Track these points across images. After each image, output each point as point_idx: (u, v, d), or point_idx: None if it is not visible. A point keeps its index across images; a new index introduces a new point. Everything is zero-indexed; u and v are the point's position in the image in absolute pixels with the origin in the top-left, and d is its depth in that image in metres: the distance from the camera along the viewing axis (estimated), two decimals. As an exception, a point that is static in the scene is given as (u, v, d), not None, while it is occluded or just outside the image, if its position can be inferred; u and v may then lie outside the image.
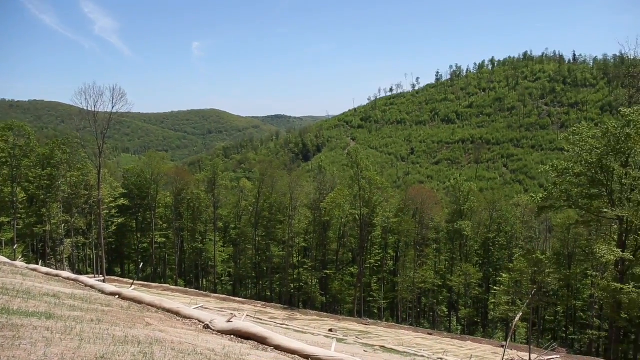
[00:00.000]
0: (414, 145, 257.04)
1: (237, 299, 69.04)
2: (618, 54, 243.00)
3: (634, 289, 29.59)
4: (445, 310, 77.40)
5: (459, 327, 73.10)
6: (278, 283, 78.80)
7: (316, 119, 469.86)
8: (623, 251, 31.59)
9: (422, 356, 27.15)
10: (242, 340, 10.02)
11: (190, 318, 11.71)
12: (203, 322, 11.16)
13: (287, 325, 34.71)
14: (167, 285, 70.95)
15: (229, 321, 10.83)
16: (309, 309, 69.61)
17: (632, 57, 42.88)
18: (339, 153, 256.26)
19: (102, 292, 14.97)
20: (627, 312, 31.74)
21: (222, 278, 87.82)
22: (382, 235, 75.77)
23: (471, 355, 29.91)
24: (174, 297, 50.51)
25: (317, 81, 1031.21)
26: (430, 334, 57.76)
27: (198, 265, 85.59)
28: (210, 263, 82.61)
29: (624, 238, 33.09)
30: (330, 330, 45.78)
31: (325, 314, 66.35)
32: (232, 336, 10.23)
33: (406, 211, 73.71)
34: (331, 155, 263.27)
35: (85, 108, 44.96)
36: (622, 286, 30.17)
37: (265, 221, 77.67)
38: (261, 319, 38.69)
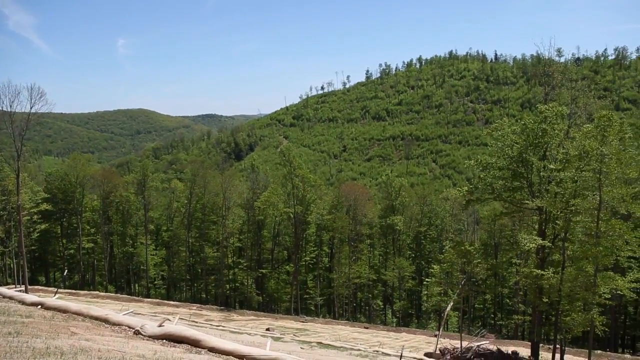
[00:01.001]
0: (346, 143, 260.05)
1: (171, 302, 67.50)
2: (535, 54, 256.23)
3: (552, 274, 31.29)
4: (381, 303, 78.97)
5: (395, 320, 74.79)
6: (213, 284, 77.66)
7: (248, 118, 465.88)
8: (543, 239, 33.34)
9: (359, 350, 27.60)
10: (175, 344, 9.81)
11: (119, 324, 11.34)
12: (133, 328, 10.83)
13: (223, 326, 34.31)
14: (97, 292, 68.34)
15: (160, 325, 10.58)
16: (245, 309, 69.11)
17: (547, 57, 45.14)
18: (271, 152, 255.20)
19: (23, 302, 14.21)
20: (548, 296, 33.53)
21: (156, 282, 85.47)
22: (316, 232, 76.27)
23: (403, 346, 30.71)
24: (104, 304, 48.70)
25: (248, 79, 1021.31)
26: (367, 328, 58.83)
27: (129, 270, 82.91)
28: (142, 267, 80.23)
29: (543, 227, 34.94)
30: (268, 329, 45.65)
31: (262, 313, 66.10)
32: (165, 340, 10.00)
33: (340, 208, 74.54)
34: (264, 154, 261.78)
35: (1, 108, 42.44)
36: (542, 272, 31.79)
37: (199, 222, 76.32)
38: (196, 322, 38.04)
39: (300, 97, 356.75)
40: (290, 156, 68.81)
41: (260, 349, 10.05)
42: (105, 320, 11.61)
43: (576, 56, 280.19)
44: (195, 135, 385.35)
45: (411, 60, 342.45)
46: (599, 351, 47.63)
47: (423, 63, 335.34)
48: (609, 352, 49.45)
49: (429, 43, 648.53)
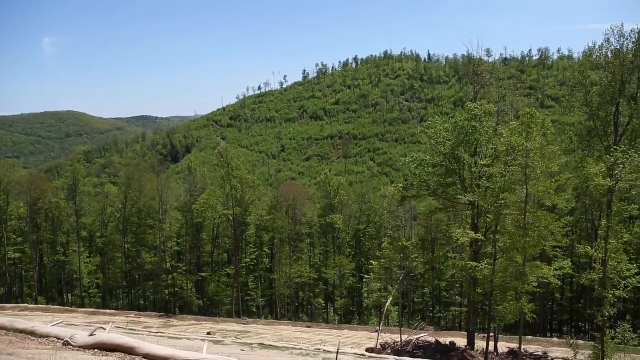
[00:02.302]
0: (285, 143, 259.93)
1: (107, 311, 65.31)
2: (466, 54, 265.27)
3: (485, 266, 32.55)
4: (323, 302, 79.42)
5: (337, 317, 75.38)
6: (152, 290, 75.66)
7: (184, 119, 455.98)
8: (476, 233, 34.60)
9: (301, 349, 27.70)
10: (108, 353, 9.52)
11: (47, 336, 10.85)
12: (63, 339, 10.40)
13: (162, 333, 33.55)
14: (25, 304, 65.18)
15: (92, 334, 10.22)
16: (186, 314, 67.80)
17: (477, 57, 46.77)
18: (209, 153, 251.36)
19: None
20: (482, 288, 34.84)
21: (90, 290, 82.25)
22: (256, 233, 75.78)
23: (340, 342, 31.07)
24: (32, 316, 46.54)
25: (184, 80, 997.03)
26: (309, 327, 59.08)
27: (61, 280, 79.44)
28: (75, 276, 77.02)
29: (476, 221, 36.28)
30: (209, 333, 45.03)
31: (203, 317, 65.06)
32: (97, 350, 9.67)
33: (279, 208, 74.38)
34: (201, 155, 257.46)
35: None
36: (476, 264, 33.02)
37: (135, 227, 74.14)
38: (134, 330, 37.00)
39: (237, 98, 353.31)
40: (228, 157, 68.05)
41: (197, 353, 9.90)
42: (32, 333, 11.07)
43: (504, 56, 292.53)
44: (129, 137, 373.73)
45: (347, 60, 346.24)
46: (529, 337, 49.93)
47: (359, 63, 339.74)
48: (538, 337, 51.94)
49: (365, 43, 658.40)
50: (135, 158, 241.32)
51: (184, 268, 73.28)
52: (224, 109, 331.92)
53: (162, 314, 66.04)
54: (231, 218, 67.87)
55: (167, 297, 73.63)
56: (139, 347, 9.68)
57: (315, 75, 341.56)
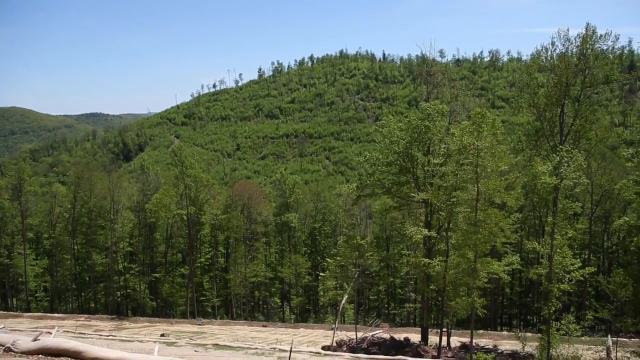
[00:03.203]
0: (240, 141, 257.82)
1: (56, 315, 63.25)
2: (420, 55, 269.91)
3: (438, 262, 33.22)
4: (279, 301, 79.24)
5: (293, 316, 75.39)
6: (103, 292, 73.61)
7: (137, 117, 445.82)
8: (429, 230, 35.29)
9: (256, 348, 27.52)
10: (53, 358, 9.19)
11: (-12, 343, 10.39)
12: (4, 345, 9.99)
13: (113, 335, 32.71)
14: (-34, 310, 62.34)
15: (36, 339, 9.85)
16: (139, 316, 66.35)
17: (430, 58, 47.70)
18: (162, 152, 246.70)
19: None
20: (435, 284, 35.54)
21: (37, 294, 79.32)
22: (211, 232, 74.89)
23: (292, 341, 31.12)
24: (-25, 322, 44.48)
25: (137, 77, 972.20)
26: (265, 326, 58.87)
27: (5, 284, 76.30)
28: (20, 279, 74.12)
29: (429, 218, 36.99)
30: (162, 335, 44.24)
31: (157, 319, 63.85)
32: (41, 356, 9.33)
33: (234, 207, 73.72)
34: (154, 154, 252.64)
35: None
36: (430, 261, 33.66)
37: (85, 227, 71.91)
38: (84, 333, 35.95)
39: (191, 96, 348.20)
40: (182, 156, 66.97)
41: (148, 356, 9.70)
42: (-29, 339, 10.59)
43: (456, 57, 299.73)
44: (79, 135, 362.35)
45: (303, 59, 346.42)
46: (480, 331, 51.29)
47: (315, 62, 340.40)
48: (489, 331, 53.40)
49: (321, 42, 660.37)
50: (85, 156, 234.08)
51: (137, 269, 71.64)
52: (178, 106, 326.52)
53: (113, 316, 64.42)
54: (185, 217, 66.82)
55: (119, 299, 71.80)
56: (87, 350, 9.40)
57: (271, 73, 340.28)
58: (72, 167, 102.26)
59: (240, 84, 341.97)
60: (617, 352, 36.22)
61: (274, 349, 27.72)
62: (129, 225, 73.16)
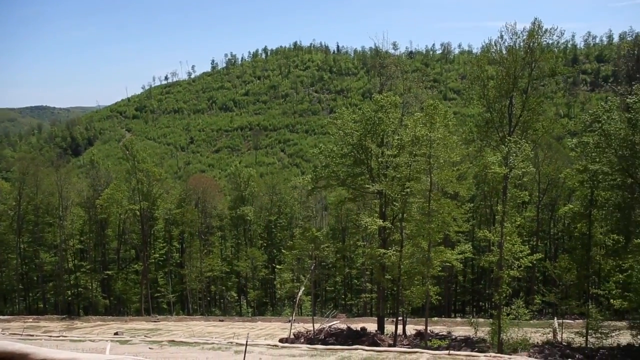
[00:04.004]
0: (194, 134, 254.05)
1: (1, 317, 60.81)
2: (373, 47, 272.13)
3: (393, 252, 33.73)
4: (235, 295, 78.73)
5: (250, 310, 75.09)
6: (52, 292, 71.27)
7: (86, 110, 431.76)
8: (384, 221, 35.73)
9: (212, 343, 27.29)
10: (-2, 362, 8.80)
11: None
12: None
13: (64, 336, 31.76)
14: None
15: (-21, 343, 9.41)
16: (91, 315, 64.64)
17: (383, 50, 48.07)
18: (113, 146, 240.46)
19: None
20: (390, 273, 36.08)
21: (-20, 296, 76.15)
22: (165, 227, 73.62)
23: (248, 334, 31.03)
24: None
25: (85, 69, 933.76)
26: (222, 321, 58.40)
27: (-56, 286, 72.94)
28: (-39, 281, 71.00)
29: (383, 209, 37.45)
30: (116, 333, 43.26)
31: (110, 317, 62.38)
32: (-16, 360, 8.90)
33: (188, 201, 72.70)
34: (105, 148, 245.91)
35: None
36: (385, 251, 34.11)
37: (31, 225, 69.33)
38: (32, 335, 34.75)
39: (143, 88, 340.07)
40: (134, 150, 65.48)
41: (99, 355, 9.44)
42: None
43: (409, 50, 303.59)
44: (23, 129, 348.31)
45: (257, 51, 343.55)
46: (435, 318, 52.35)
47: (269, 53, 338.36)
48: (443, 318, 54.60)
49: (274, 34, 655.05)
50: (31, 151, 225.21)
51: (88, 267, 69.64)
52: (128, 99, 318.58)
53: (64, 316, 62.51)
54: (138, 213, 65.44)
55: (69, 299, 69.68)
56: (35, 352, 9.03)
57: (224, 65, 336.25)
58: (17, 162, 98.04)
59: (193, 76, 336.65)
60: (562, 333, 37.79)
61: (231, 343, 27.54)
62: (79, 222, 71.02)
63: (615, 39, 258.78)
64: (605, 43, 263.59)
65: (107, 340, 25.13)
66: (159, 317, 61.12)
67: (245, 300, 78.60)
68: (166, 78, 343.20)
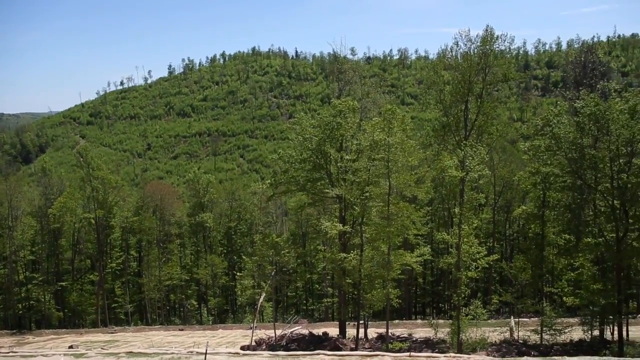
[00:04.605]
0: (151, 141, 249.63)
1: (-53, 334, 58.14)
2: (332, 52, 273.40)
3: (354, 256, 33.90)
4: (195, 303, 77.53)
5: (211, 318, 74.11)
6: (1, 306, 68.53)
7: (37, 116, 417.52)
8: (344, 225, 35.87)
9: (172, 353, 26.78)
10: (-57, 381, 8.41)
11: None
12: None
13: (14, 351, 30.57)
14: None
15: None
16: (44, 328, 62.52)
17: (342, 56, 48.39)
18: (67, 153, 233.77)
19: None
20: (351, 277, 36.25)
21: None
22: (122, 236, 71.97)
23: (207, 343, 30.65)
24: None
25: (36, 73, 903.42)
26: (182, 330, 57.46)
27: None
28: None
29: (343, 214, 37.62)
30: (71, 346, 42.00)
31: (64, 330, 60.45)
32: None
33: (146, 209, 71.31)
34: (58, 155, 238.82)
35: None
36: (345, 255, 34.24)
37: (-22, 237, 66.64)
38: (-20, 351, 33.33)
39: (97, 94, 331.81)
40: (88, 157, 63.89)
41: (52, 371, 9.13)
42: None
43: (367, 55, 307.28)
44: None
45: (215, 56, 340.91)
46: (396, 321, 52.94)
47: (227, 59, 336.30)
48: (404, 321, 55.23)
49: (232, 39, 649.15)
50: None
51: (40, 278, 67.24)
52: (82, 105, 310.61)
53: (14, 331, 60.27)
54: (93, 221, 63.79)
55: (20, 312, 67.14)
56: (-18, 370, 8.69)
57: (182, 70, 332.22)
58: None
59: (149, 81, 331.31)
60: (519, 331, 38.80)
61: (191, 352, 27.09)
62: (30, 232, 68.58)
63: (564, 46, 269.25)
64: (554, 50, 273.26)
65: (60, 354, 24.32)
66: (116, 328, 59.61)
67: (205, 308, 77.53)
68: (122, 83, 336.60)
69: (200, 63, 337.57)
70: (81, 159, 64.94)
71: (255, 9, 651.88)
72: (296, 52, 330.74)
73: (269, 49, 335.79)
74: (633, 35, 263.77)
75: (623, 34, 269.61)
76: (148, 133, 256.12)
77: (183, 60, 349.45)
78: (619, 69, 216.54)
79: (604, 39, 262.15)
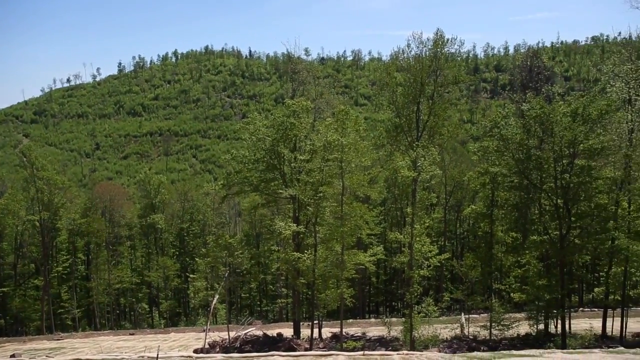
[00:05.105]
0: (99, 140, 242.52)
1: None
2: (285, 52, 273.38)
3: (308, 256, 33.93)
4: (147, 306, 75.94)
5: (162, 321, 72.72)
6: (-63, 314, 65.22)
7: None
8: (298, 225, 35.87)
9: (123, 359, 26.10)
10: None
11: None
12: None
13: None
14: None
15: None
16: (-17, 337, 59.79)
17: (296, 56, 48.41)
18: (8, 152, 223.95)
19: None
20: (305, 278, 36.28)
21: None
22: (69, 239, 69.57)
23: (158, 347, 30.08)
24: None
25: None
26: (133, 334, 56.05)
27: None
28: None
29: (297, 214, 37.59)
30: (13, 355, 40.32)
31: (5, 338, 57.80)
32: None
33: (95, 210, 69.25)
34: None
35: None
36: (299, 255, 34.23)
37: None
38: None
39: (42, 91, 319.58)
40: (32, 157, 61.39)
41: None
42: None
43: (321, 56, 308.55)
44: None
45: (167, 54, 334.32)
46: (350, 320, 53.26)
47: (179, 57, 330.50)
48: (358, 320, 55.65)
49: (185, 37, 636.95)
50: None
51: (-20, 284, 64.39)
52: (26, 102, 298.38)
53: (-50, 341, 57.36)
54: (38, 224, 61.40)
55: (-43, 321, 64.06)
56: None
57: (132, 68, 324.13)
58: None
59: (98, 78, 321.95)
60: (469, 327, 39.74)
61: (142, 357, 26.45)
62: (-31, 235, 65.53)
63: (511, 50, 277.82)
64: (502, 54, 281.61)
65: (2, 363, 23.29)
66: (62, 335, 57.53)
67: (157, 312, 76.03)
68: (68, 81, 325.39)
69: (151, 61, 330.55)
70: (24, 159, 62.41)
71: (208, 7, 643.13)
72: (250, 51, 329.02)
73: (223, 48, 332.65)
74: (574, 42, 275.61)
75: (565, 40, 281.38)
76: (97, 132, 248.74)
77: (134, 58, 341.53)
78: (562, 74, 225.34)
79: (548, 44, 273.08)
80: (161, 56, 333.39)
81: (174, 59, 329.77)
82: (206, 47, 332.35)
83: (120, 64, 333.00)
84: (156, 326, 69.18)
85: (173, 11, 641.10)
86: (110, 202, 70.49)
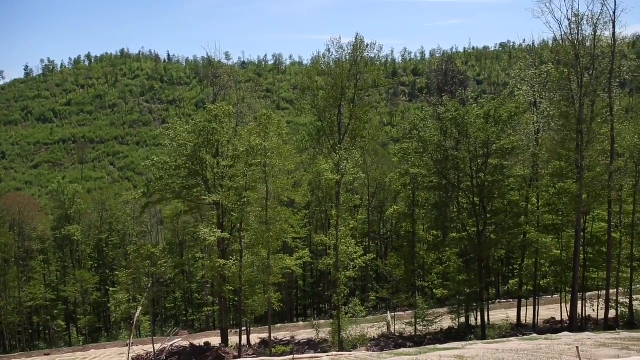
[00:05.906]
0: (5, 149, 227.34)
1: None
2: (206, 56, 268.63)
3: (234, 262, 33.49)
4: (63, 324, 71.90)
5: (81, 338, 69.16)
6: None
7: None
8: (222, 231, 35.34)
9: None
10: None
11: None
12: None
13: None
14: None
15: None
16: None
17: (216, 60, 47.72)
18: None
19: None
20: (232, 284, 35.79)
21: None
22: (-27, 255, 64.70)
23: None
24: None
25: None
26: (48, 354, 53.11)
27: None
28: None
29: (221, 220, 37.04)
30: None
31: None
32: None
33: (2, 224, 64.78)
34: None
35: None
36: (225, 262, 33.73)
37: None
38: None
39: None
40: None
41: None
42: None
43: (242, 60, 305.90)
44: None
45: (79, 57, 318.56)
46: (278, 324, 53.14)
47: (93, 61, 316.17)
48: (287, 324, 55.66)
49: (98, 39, 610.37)
50: None
51: None
52: None
53: None
54: (-64, 241, 56.68)
55: None
56: None
57: (41, 72, 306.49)
58: None
59: (2, 82, 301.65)
60: (395, 325, 40.75)
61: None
62: None
63: (427, 55, 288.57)
64: (419, 58, 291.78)
65: None
66: (-32, 359, 53.51)
67: (75, 328, 72.29)
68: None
69: (62, 64, 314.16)
70: None
71: (122, 9, 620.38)
72: (168, 55, 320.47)
73: (140, 52, 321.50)
74: (485, 48, 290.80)
75: (477, 46, 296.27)
76: (2, 140, 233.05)
77: (42, 61, 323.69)
78: (474, 78, 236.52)
79: (461, 50, 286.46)
80: (73, 59, 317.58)
81: (87, 63, 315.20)
82: (122, 51, 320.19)
83: (27, 67, 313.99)
84: (74, 344, 65.70)
85: (85, 12, 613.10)
86: (20, 214, 66.12)
